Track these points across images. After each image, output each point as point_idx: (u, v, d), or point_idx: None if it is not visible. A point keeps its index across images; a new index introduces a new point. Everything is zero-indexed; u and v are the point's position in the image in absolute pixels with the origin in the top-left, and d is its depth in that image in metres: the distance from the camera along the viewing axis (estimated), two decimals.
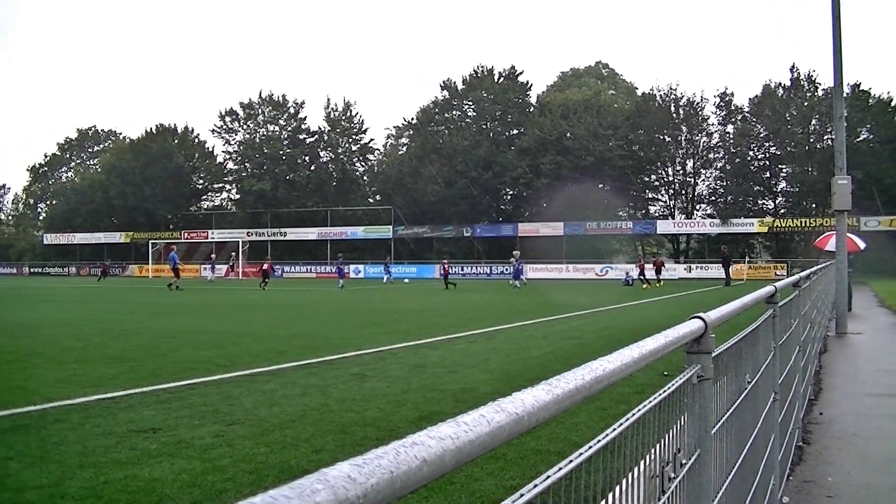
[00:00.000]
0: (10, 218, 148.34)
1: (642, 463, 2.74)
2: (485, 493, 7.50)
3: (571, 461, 2.11)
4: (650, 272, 62.85)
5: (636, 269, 63.83)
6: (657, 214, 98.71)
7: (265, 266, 61.26)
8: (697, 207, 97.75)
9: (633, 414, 2.58)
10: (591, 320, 28.47)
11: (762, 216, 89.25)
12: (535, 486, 1.95)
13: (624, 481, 2.62)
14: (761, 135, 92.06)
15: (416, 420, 10.60)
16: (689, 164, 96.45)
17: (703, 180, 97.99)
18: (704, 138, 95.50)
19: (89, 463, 8.56)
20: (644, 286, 58.32)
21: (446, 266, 62.09)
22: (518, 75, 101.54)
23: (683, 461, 3.26)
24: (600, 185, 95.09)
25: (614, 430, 2.40)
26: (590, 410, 10.30)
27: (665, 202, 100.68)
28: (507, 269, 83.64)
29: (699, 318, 3.47)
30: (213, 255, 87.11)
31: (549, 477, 2.00)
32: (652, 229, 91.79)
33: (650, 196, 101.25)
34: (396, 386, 13.51)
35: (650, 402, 2.77)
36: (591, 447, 2.24)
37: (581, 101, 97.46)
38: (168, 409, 11.45)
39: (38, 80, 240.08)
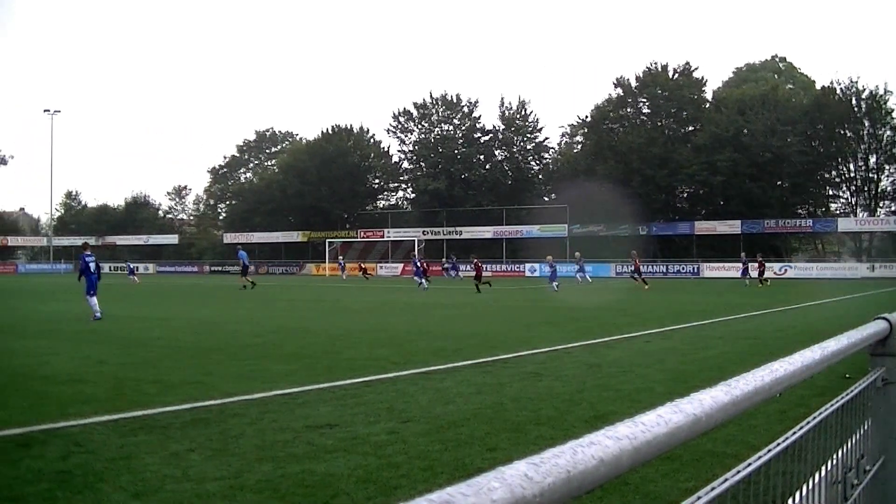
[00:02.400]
0: (191, 218, 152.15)
1: (823, 468, 2.65)
2: (659, 495, 7.38)
3: (749, 464, 2.05)
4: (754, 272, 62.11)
5: (756, 269, 62.50)
6: (838, 212, 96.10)
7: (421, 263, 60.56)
8: (881, 205, 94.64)
9: (814, 417, 2.50)
10: (769, 320, 27.89)
11: None
12: (713, 488, 1.89)
13: (804, 486, 2.54)
14: None
15: (590, 419, 10.50)
16: (872, 159, 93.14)
17: (888, 176, 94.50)
18: (888, 132, 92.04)
19: (267, 457, 8.70)
20: (759, 285, 57.58)
21: (478, 264, 58.74)
22: (693, 71, 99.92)
23: (867, 467, 3.15)
24: (778, 182, 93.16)
25: (794, 433, 2.33)
26: (767, 412, 10.06)
27: (846, 199, 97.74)
28: (682, 268, 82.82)
29: (884, 318, 3.35)
30: (341, 256, 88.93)
31: (726, 480, 1.95)
32: (832, 227, 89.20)
33: (830, 193, 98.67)
34: (571, 385, 13.41)
35: (832, 405, 2.68)
36: (769, 450, 2.18)
37: (757, 97, 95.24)
38: (343, 406, 11.57)
39: (218, 86, 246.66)
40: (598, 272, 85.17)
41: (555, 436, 9.43)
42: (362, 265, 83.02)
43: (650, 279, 70.20)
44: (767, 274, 64.74)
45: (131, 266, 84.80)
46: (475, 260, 61.80)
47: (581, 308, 34.13)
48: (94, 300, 28.24)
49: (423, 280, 54.41)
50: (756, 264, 62.60)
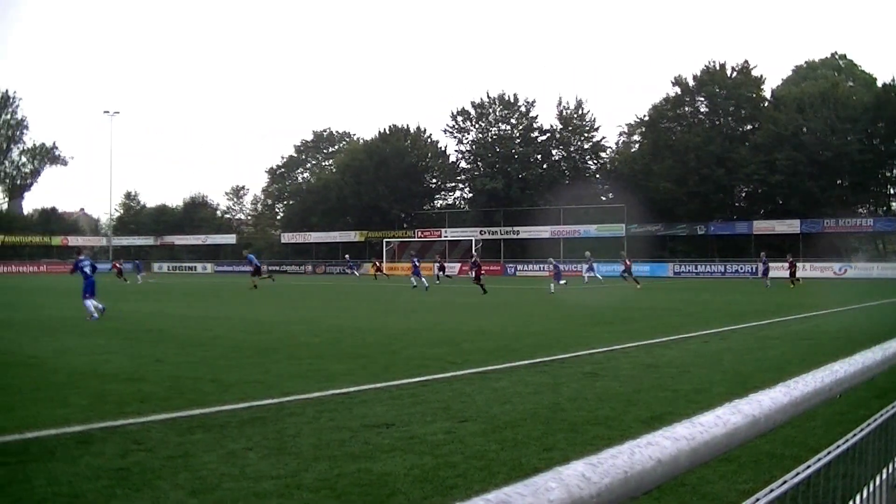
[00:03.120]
0: (248, 218, 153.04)
1: (885, 471, 2.61)
2: (717, 497, 7.33)
3: (809, 466, 2.03)
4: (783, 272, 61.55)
5: (786, 269, 61.81)
6: None
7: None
8: None
9: (875, 419, 2.46)
10: (828, 320, 27.61)
11: None
12: (771, 490, 1.87)
13: (865, 489, 2.51)
14: None
15: (648, 420, 10.45)
16: None
17: None
18: None
19: (324, 456, 8.73)
20: (790, 286, 56.66)
21: (478, 262, 56.83)
22: (751, 69, 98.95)
23: None
24: (838, 181, 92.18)
25: (854, 435, 2.30)
26: (827, 414, 9.95)
27: None
28: (741, 268, 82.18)
29: None
30: (347, 256, 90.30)
31: (785, 482, 1.92)
32: (894, 226, 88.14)
33: (892, 192, 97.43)
34: (628, 385, 13.36)
35: (893, 407, 2.64)
36: (829, 452, 2.15)
37: (817, 94, 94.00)
38: (400, 406, 11.59)
39: (276, 86, 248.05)
40: (655, 272, 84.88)
41: (612, 436, 9.41)
42: (377, 263, 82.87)
43: (708, 279, 69.78)
44: (798, 273, 63.95)
45: (139, 264, 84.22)
46: (475, 258, 61.09)
47: (638, 308, 33.96)
48: (90, 303, 28.49)
49: (417, 279, 53.77)
50: (787, 264, 61.97)
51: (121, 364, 16.34)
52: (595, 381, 13.78)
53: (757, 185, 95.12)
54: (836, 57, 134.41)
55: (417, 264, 58.32)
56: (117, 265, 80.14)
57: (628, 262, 61.96)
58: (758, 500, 1.75)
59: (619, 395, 12.48)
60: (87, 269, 29.62)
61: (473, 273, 52.52)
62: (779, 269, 71.89)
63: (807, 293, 46.84)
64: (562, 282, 48.50)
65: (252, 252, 62.08)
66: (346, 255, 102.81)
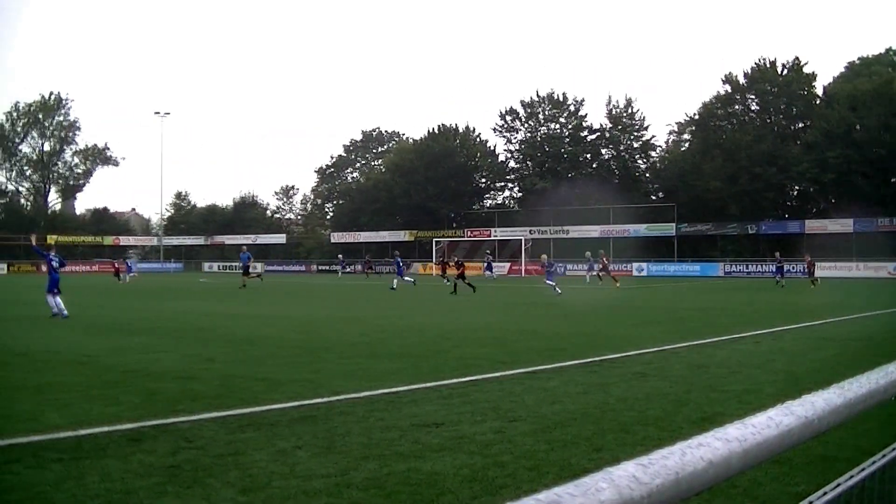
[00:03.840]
0: (298, 217, 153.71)
1: None
2: (769, 499, 7.27)
3: (864, 469, 2.00)
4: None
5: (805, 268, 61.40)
6: None
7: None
8: None
9: None
10: (884, 321, 27.38)
11: None
12: (825, 493, 1.85)
13: None
14: None
15: (698, 421, 10.40)
16: None
17: None
18: None
19: (373, 455, 8.75)
20: (811, 286, 56.14)
21: (459, 261, 57.65)
22: (802, 66, 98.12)
23: None
24: (892, 179, 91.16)
25: None
26: (881, 416, 9.81)
27: None
28: (793, 268, 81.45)
29: None
30: (341, 256, 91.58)
31: (839, 485, 1.90)
32: None
33: None
34: (678, 385, 13.31)
35: None
36: (884, 455, 2.12)
37: (871, 91, 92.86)
38: (450, 405, 11.60)
39: (325, 86, 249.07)
40: (705, 272, 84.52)
41: (662, 437, 9.37)
42: (368, 259, 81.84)
43: (759, 279, 69.29)
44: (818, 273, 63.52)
45: (129, 263, 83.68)
46: (457, 259, 62.11)
47: (689, 308, 33.81)
48: (56, 299, 28.40)
49: (396, 280, 52.48)
50: (805, 264, 61.62)
51: (172, 363, 16.46)
52: (645, 382, 13.73)
53: (809, 183, 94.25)
54: (891, 53, 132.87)
55: (401, 265, 58.16)
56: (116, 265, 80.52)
57: (605, 261, 61.82)
58: (811, 503, 1.73)
59: (670, 395, 12.43)
60: (55, 264, 29.48)
61: (459, 271, 52.96)
62: (830, 269, 71.48)
63: (857, 293, 46.37)
64: (549, 282, 46.66)
65: (247, 252, 61.87)
66: (340, 255, 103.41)
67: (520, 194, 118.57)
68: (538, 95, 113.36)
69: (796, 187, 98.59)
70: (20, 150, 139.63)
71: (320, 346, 19.48)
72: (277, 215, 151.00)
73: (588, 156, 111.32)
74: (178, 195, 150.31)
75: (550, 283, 45.29)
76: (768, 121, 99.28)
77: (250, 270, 60.97)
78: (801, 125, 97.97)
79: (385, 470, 8.17)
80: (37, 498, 7.41)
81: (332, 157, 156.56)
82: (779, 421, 1.63)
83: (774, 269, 64.67)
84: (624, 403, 11.71)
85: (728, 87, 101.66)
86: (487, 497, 7.35)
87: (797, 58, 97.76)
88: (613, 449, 9.00)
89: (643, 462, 1.31)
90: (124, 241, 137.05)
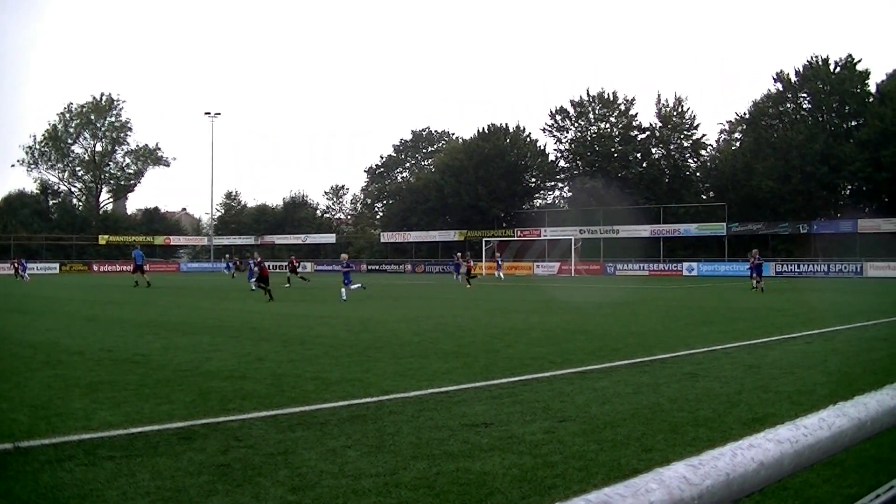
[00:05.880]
0: (348, 217, 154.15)
1: None
2: (821, 501, 7.21)
3: None
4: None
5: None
6: None
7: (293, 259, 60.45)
8: None
9: None
10: None
11: None
12: (878, 496, 1.83)
13: None
14: None
15: (749, 422, 10.32)
16: None
17: None
18: None
19: (423, 454, 8.77)
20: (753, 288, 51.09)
21: (462, 258, 60.72)
22: (855, 64, 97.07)
23: None
24: None
25: None
26: None
27: None
28: (845, 268, 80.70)
29: None
30: (228, 255, 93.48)
31: (892, 487, 1.88)
32: None
33: None
34: (730, 386, 13.23)
35: None
36: None
37: None
38: (500, 405, 11.59)
39: (375, 86, 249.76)
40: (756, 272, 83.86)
41: (713, 437, 9.32)
42: (294, 260, 79.30)
43: (811, 279, 68.66)
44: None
45: (24, 263, 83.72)
46: (465, 254, 64.73)
47: (740, 308, 33.57)
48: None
49: (348, 287, 47.96)
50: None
51: (224, 362, 16.57)
52: (696, 382, 13.66)
53: (862, 182, 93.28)
54: None
55: (351, 268, 52.60)
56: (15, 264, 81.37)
57: (500, 259, 61.53)
58: None
59: (721, 395, 12.36)
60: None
61: (465, 268, 53.20)
62: (884, 269, 70.77)
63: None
64: (348, 282, 44.76)
65: (138, 250, 61.26)
66: (227, 255, 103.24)
67: (570, 194, 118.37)
68: (588, 95, 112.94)
69: (849, 186, 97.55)
70: (73, 151, 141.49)
71: (372, 346, 19.53)
72: (327, 215, 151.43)
73: (638, 155, 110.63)
74: (229, 195, 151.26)
75: (349, 283, 42.59)
76: (820, 119, 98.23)
77: (229, 270, 60.35)
78: (853, 123, 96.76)
79: (434, 470, 8.18)
80: (89, 495, 7.48)
81: (381, 157, 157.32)
82: (831, 422, 1.61)
83: (749, 269, 57.76)
84: (675, 404, 11.66)
85: (779, 86, 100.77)
86: (537, 497, 7.34)
87: (850, 55, 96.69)
88: (664, 449, 8.97)
89: (694, 463, 1.30)
90: (175, 240, 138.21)
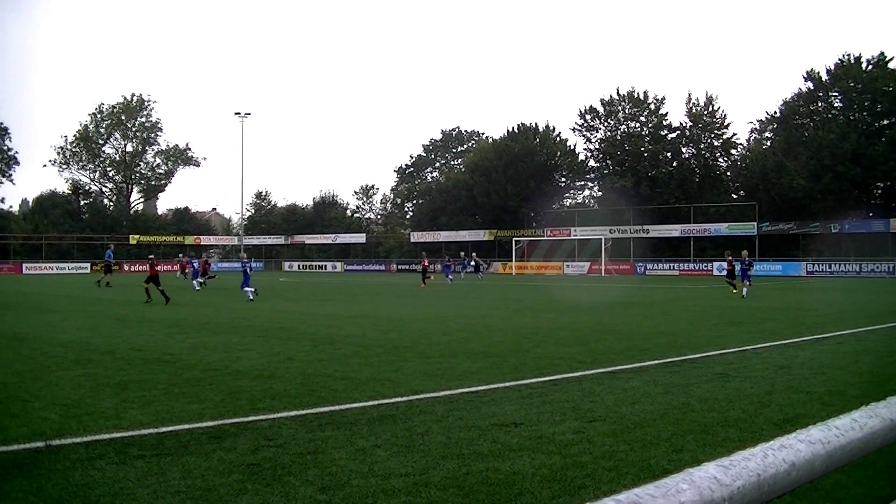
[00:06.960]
0: (378, 217, 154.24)
1: None
2: (852, 503, 7.18)
3: None
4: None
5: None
6: None
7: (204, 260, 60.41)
8: None
9: None
10: None
11: None
12: None
13: None
14: None
15: (780, 422, 10.28)
16: None
17: None
18: None
19: (452, 454, 8.78)
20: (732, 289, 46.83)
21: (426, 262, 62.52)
22: (888, 62, 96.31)
23: None
24: None
25: None
26: None
27: None
28: (877, 268, 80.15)
29: None
30: (181, 256, 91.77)
31: None
32: None
33: None
34: (760, 386, 13.18)
35: None
36: None
37: None
38: (529, 405, 11.59)
39: (404, 86, 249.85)
40: (787, 271, 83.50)
41: (743, 438, 9.28)
42: (184, 261, 77.19)
43: (842, 279, 68.30)
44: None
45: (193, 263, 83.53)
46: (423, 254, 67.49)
47: (770, 308, 33.42)
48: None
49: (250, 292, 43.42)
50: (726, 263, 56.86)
51: (253, 361, 16.63)
52: (726, 382, 13.62)
53: (894, 182, 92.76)
54: None
55: (249, 271, 45.25)
56: None
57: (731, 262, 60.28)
58: None
59: (751, 396, 12.32)
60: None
61: (474, 265, 54.12)
62: None
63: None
64: (449, 278, 46.06)
65: (109, 250, 61.21)
66: (151, 255, 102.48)
67: (599, 193, 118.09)
68: (618, 94, 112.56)
69: (881, 185, 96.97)
70: (104, 152, 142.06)
71: (401, 346, 19.56)
72: (357, 215, 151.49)
73: (668, 154, 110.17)
74: (259, 195, 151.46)
75: (248, 289, 40.82)
76: (852, 118, 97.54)
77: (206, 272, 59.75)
78: (885, 122, 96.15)
79: (464, 469, 8.19)
80: (119, 494, 7.53)
81: (411, 157, 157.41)
82: (863, 423, 1.60)
83: (727, 271, 51.66)
84: (705, 404, 11.63)
85: (810, 85, 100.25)
86: (566, 497, 7.34)
87: (882, 53, 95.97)
88: (694, 450, 8.94)
89: (724, 463, 1.29)
90: (205, 240, 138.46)
